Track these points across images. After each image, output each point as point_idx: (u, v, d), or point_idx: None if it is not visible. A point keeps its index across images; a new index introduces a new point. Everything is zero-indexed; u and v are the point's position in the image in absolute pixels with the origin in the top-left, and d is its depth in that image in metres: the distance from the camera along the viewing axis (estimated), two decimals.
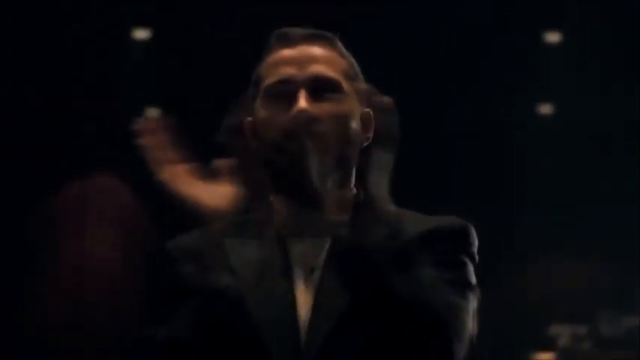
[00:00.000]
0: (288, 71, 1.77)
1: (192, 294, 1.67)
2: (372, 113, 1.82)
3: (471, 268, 1.75)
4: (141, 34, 6.15)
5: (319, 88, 1.76)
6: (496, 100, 6.29)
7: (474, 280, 1.74)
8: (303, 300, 1.70)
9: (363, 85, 1.84)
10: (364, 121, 1.80)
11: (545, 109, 6.74)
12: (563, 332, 6.89)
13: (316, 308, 1.69)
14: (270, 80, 1.78)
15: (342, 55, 1.82)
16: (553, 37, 6.36)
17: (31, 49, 5.64)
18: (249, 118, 1.81)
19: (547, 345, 6.89)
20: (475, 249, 1.77)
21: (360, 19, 5.38)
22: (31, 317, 6.03)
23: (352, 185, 1.78)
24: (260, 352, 1.66)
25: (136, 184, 5.52)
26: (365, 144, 1.79)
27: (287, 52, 1.80)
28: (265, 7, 4.85)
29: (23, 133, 5.80)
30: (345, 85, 1.78)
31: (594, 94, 6.18)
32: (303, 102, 1.73)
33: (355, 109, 1.78)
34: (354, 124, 1.76)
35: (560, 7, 5.97)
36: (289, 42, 1.80)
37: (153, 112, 6.03)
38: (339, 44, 1.84)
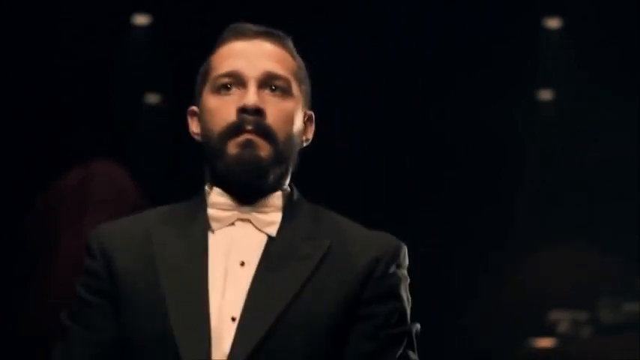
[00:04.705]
0: (240, 64, 1.77)
1: (115, 294, 1.71)
2: (314, 116, 1.84)
3: (404, 283, 1.78)
4: (140, 19, 6.14)
5: (269, 84, 1.77)
6: (496, 98, 6.28)
7: (404, 294, 1.77)
8: (233, 293, 1.69)
9: (309, 88, 1.87)
10: (307, 122, 1.82)
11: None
12: (563, 318, 6.89)
13: (248, 304, 1.67)
14: (220, 71, 1.79)
15: (293, 56, 1.84)
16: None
17: (28, 37, 5.63)
18: (194, 108, 1.82)
19: (547, 331, 6.89)
20: (405, 268, 1.80)
21: (360, 16, 5.37)
22: (31, 317, 6.01)
23: (287, 184, 1.80)
24: (172, 351, 1.66)
25: (133, 172, 5.51)
26: (305, 145, 1.82)
27: (240, 45, 1.80)
28: None
29: (19, 122, 5.78)
30: (293, 85, 1.79)
31: (595, 91, 6.18)
32: (252, 95, 1.74)
33: (300, 109, 1.79)
34: (298, 124, 1.78)
35: (561, 7, 6.00)
36: (243, 36, 1.81)
37: (153, 99, 6.02)
38: (292, 45, 1.85)
